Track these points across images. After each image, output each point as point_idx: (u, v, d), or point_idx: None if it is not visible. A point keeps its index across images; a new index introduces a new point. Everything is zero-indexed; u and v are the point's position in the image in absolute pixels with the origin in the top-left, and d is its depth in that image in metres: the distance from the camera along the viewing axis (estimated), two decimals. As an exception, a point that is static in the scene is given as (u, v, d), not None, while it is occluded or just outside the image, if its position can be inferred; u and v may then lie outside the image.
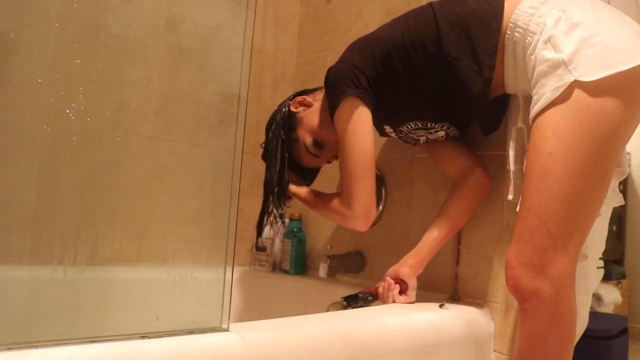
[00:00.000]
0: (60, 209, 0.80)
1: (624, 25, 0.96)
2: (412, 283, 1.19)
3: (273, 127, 1.28)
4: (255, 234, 1.37)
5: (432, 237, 1.22)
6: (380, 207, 1.50)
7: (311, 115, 1.26)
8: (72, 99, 0.79)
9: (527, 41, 1.00)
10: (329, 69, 1.21)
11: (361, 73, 1.13)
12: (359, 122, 1.13)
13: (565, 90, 0.91)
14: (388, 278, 1.21)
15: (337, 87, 1.14)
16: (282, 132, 1.26)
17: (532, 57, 0.98)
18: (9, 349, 0.59)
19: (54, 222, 0.78)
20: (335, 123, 1.16)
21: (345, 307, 1.20)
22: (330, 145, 1.26)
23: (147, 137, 1.22)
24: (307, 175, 1.38)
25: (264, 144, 1.30)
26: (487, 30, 1.04)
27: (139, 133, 1.20)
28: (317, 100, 1.28)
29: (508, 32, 1.03)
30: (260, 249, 1.73)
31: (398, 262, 1.23)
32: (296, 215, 1.71)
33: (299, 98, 1.30)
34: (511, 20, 1.03)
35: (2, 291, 0.73)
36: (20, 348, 0.60)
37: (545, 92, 0.93)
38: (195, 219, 0.96)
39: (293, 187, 1.29)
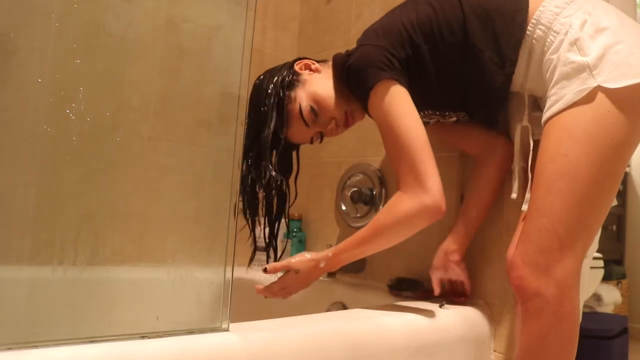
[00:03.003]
0: (60, 209, 0.80)
1: None
2: (465, 279, 1.25)
3: (271, 85, 1.16)
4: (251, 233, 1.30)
5: (473, 216, 1.24)
6: (381, 207, 1.50)
7: (316, 81, 1.17)
8: (72, 99, 0.79)
9: (548, 40, 0.99)
10: (349, 55, 1.13)
11: (392, 55, 1.06)
12: (402, 102, 1.05)
13: (587, 94, 0.90)
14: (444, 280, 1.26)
15: (369, 70, 1.05)
16: (280, 91, 1.14)
17: (554, 56, 0.97)
18: (9, 349, 0.60)
19: (54, 222, 0.78)
20: (373, 110, 1.08)
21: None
22: (323, 120, 1.17)
23: (147, 137, 1.22)
24: (284, 164, 1.23)
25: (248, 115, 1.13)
26: (512, 24, 1.02)
27: (139, 133, 1.19)
28: (323, 70, 1.20)
29: (529, 28, 1.02)
30: (260, 249, 1.73)
31: (444, 252, 1.24)
32: (296, 215, 1.71)
33: (305, 61, 1.22)
34: (534, 16, 1.01)
35: (2, 291, 0.73)
36: (20, 348, 0.60)
37: (566, 94, 0.92)
38: (195, 219, 0.96)
39: (314, 263, 1.16)
